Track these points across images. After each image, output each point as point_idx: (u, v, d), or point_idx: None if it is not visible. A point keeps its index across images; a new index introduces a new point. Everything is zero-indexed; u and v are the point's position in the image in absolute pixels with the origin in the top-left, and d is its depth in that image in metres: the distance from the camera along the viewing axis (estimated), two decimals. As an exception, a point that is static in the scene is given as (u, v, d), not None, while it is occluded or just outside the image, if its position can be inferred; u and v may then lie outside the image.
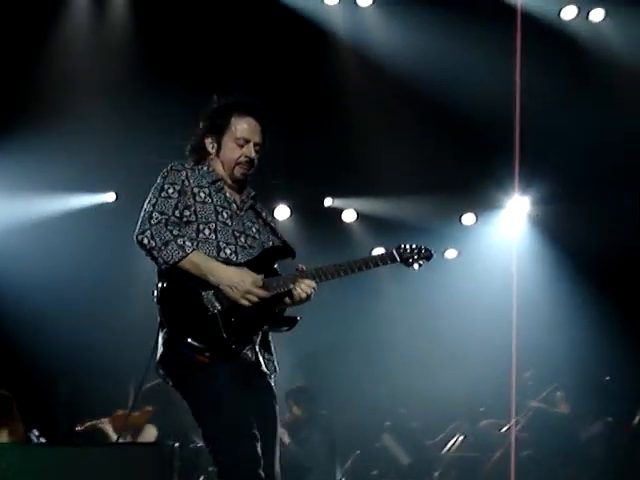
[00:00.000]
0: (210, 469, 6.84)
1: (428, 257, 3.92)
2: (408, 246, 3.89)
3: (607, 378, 7.14)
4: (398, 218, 7.86)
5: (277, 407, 3.79)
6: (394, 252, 3.86)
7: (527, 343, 7.57)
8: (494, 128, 7.90)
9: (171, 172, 3.79)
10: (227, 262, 3.70)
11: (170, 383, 3.73)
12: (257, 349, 3.70)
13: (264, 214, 3.97)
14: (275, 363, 3.81)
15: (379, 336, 8.74)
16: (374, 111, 8.13)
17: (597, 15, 7.87)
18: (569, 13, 7.85)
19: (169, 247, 3.61)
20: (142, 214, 3.71)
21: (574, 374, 7.47)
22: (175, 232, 3.67)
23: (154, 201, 3.72)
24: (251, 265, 3.72)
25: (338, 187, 9.18)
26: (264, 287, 3.67)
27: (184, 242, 3.64)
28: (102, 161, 8.30)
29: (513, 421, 7.33)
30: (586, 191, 8.32)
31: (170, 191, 3.74)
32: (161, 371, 3.71)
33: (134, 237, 3.68)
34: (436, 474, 7.63)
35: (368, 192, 9.03)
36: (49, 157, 7.75)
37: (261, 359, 3.71)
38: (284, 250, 3.89)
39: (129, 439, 6.66)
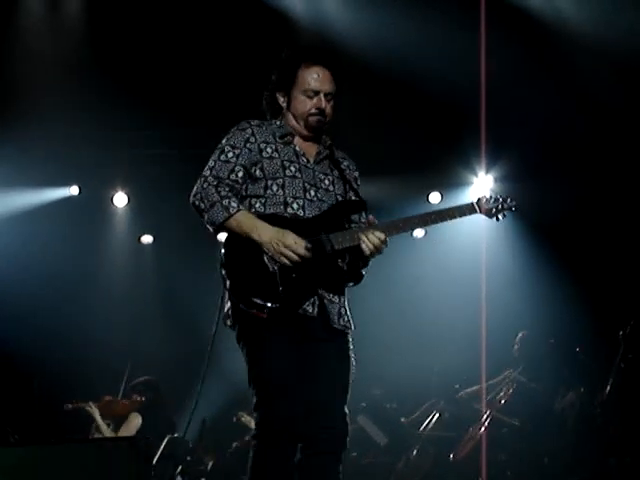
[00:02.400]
0: (188, 458, 6.84)
1: (512, 207, 3.83)
2: (491, 196, 3.82)
3: (577, 349, 7.20)
4: (364, 198, 7.84)
5: (348, 361, 3.71)
6: (474, 204, 3.78)
7: (498, 319, 7.62)
8: (460, 107, 7.90)
9: (235, 132, 3.74)
10: (294, 217, 3.64)
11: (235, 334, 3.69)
12: (325, 304, 3.64)
13: (344, 164, 3.88)
14: (348, 319, 3.73)
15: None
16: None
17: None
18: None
19: (214, 208, 3.58)
20: (200, 175, 3.68)
21: (545, 345, 7.53)
22: (223, 193, 3.60)
23: (212, 164, 3.68)
24: (319, 219, 3.66)
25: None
26: (326, 243, 3.58)
27: (229, 203, 3.59)
28: (65, 155, 8.22)
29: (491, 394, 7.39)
30: (546, 166, 8.34)
31: (229, 155, 3.68)
32: (228, 322, 3.68)
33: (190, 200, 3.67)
34: (414, 452, 7.69)
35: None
36: (12, 152, 7.69)
37: (330, 314, 3.65)
38: (355, 204, 3.79)
39: (113, 426, 6.77)
